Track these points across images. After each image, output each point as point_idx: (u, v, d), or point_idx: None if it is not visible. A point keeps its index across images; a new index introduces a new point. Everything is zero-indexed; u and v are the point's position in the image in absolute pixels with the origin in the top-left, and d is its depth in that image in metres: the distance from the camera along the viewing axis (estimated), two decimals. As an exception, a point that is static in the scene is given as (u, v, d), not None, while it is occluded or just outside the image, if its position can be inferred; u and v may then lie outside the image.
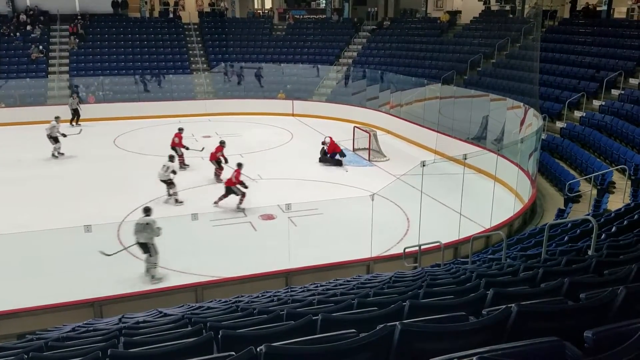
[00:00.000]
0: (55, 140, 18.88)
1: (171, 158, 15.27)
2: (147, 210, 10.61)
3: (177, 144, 17.77)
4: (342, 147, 18.91)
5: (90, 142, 21.46)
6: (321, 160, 18.65)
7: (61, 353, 4.10)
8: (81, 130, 20.70)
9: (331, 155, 18.53)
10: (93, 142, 21.47)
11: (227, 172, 15.45)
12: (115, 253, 10.51)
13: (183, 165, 17.67)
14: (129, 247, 10.65)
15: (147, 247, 10.45)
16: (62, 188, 15.88)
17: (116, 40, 29.64)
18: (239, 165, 14.48)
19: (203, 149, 17.94)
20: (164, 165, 14.70)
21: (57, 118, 19.61)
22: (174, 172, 14.73)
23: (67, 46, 28.61)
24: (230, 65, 29.39)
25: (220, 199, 14.18)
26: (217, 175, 16.44)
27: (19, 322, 8.60)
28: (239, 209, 14.03)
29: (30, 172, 17.39)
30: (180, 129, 18.19)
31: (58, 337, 5.18)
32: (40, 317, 8.64)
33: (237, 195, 14.09)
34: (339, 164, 18.36)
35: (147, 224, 10.34)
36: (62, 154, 19.22)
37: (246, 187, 14.13)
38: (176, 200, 14.63)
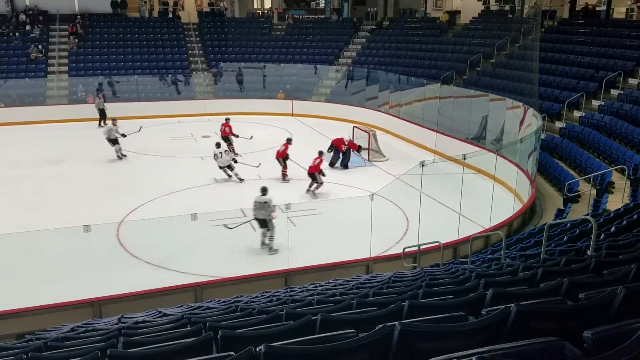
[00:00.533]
0: (114, 142, 18.77)
1: (218, 145, 16.53)
2: (264, 190, 11.71)
3: (227, 133, 18.73)
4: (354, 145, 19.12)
5: (89, 142, 21.43)
6: (332, 164, 18.39)
7: (60, 353, 4.10)
8: (141, 127, 20.52)
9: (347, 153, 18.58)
10: (92, 142, 21.43)
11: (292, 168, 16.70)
12: (237, 226, 11.84)
13: (234, 154, 17.98)
14: (249, 221, 11.94)
15: (265, 223, 11.68)
16: (61, 188, 15.85)
17: (115, 40, 29.61)
18: (320, 153, 15.81)
19: (252, 137, 18.96)
20: (216, 154, 16.19)
21: (113, 120, 19.61)
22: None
23: (66, 46, 28.59)
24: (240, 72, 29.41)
25: (317, 186, 15.36)
26: (284, 174, 16.71)
27: (18, 322, 8.59)
28: (314, 195, 15.09)
29: (30, 172, 17.37)
30: (227, 119, 19.30)
31: (57, 337, 5.17)
32: (39, 317, 8.64)
33: (317, 182, 15.17)
34: (346, 166, 18.36)
35: (265, 202, 11.48)
36: (125, 155, 19.05)
37: (324, 176, 15.43)
38: (240, 180, 16.22)
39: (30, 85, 26.30)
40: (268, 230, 11.72)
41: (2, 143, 20.85)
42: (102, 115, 23.68)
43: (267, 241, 11.82)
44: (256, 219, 11.69)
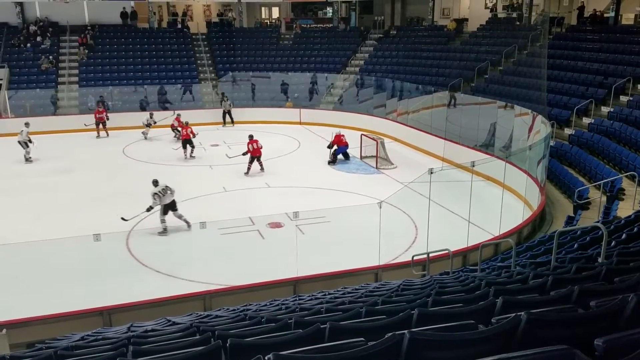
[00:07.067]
0: (25, 145, 19.91)
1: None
2: (155, 182, 13.33)
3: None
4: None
5: (99, 151, 21.63)
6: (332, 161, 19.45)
7: (70, 362, 4.12)
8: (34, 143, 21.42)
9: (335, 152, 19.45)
10: (102, 151, 21.64)
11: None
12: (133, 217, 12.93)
13: None
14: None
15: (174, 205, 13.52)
16: (71, 197, 15.96)
17: (125, 50, 29.90)
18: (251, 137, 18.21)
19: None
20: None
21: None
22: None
23: (76, 57, 28.89)
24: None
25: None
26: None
27: (29, 331, 8.63)
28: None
29: (40, 181, 17.52)
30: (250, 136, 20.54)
31: (67, 346, 5.19)
32: (49, 326, 8.66)
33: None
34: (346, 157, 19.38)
35: (165, 187, 13.19)
36: (31, 159, 19.99)
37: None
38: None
39: (40, 95, 26.58)
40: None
41: (14, 152, 21.04)
42: (229, 115, 26.37)
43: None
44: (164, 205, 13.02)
